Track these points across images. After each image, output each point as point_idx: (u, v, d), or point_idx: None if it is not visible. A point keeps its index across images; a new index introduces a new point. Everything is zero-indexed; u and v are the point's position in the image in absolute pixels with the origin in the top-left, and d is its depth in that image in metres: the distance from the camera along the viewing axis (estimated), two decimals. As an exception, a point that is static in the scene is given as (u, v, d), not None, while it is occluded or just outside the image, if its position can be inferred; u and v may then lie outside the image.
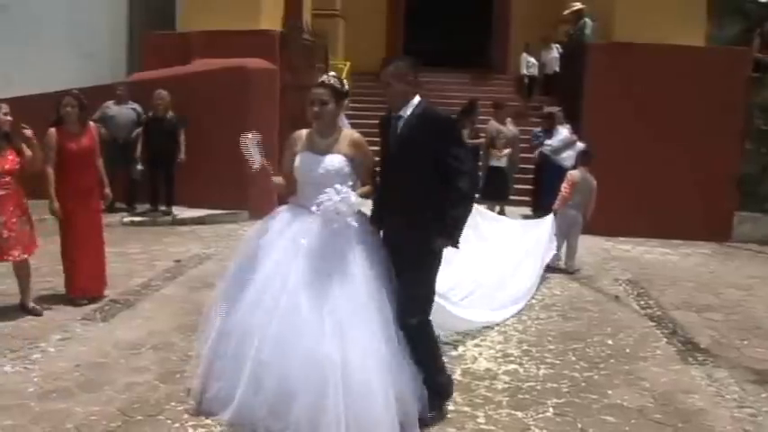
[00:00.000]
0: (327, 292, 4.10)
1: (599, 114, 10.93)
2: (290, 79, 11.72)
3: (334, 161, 4.35)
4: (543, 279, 7.91)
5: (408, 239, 4.22)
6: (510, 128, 11.35)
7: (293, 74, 11.81)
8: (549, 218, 8.35)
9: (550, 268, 8.31)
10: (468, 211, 4.26)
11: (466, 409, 4.65)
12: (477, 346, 5.90)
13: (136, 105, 11.16)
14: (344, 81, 4.56)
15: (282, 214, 4.51)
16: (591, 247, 9.97)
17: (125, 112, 11.07)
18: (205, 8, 12.00)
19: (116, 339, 5.70)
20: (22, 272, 6.22)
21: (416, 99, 4.31)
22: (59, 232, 6.58)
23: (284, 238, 4.35)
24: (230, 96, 11.10)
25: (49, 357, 5.29)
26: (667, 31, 10.98)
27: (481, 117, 12.07)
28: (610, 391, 5.04)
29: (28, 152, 6.13)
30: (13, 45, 13.38)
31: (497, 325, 6.41)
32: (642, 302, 7.45)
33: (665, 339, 6.31)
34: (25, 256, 6.16)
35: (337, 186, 4.15)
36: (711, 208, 10.95)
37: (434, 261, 4.29)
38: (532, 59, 17.35)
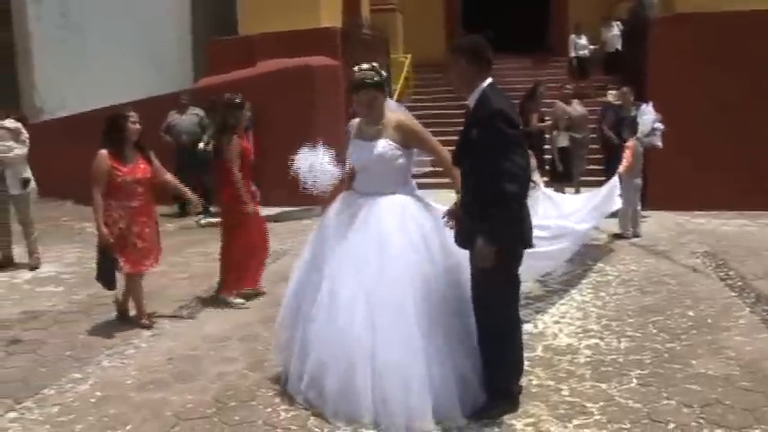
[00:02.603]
0: (365, 277, 4.23)
1: (665, 89, 10.71)
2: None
3: (379, 146, 4.45)
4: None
5: (473, 234, 3.99)
6: (577, 108, 11.23)
7: (356, 70, 11.97)
8: (614, 180, 8.41)
9: (620, 236, 9.07)
10: (511, 212, 3.88)
11: (550, 382, 4.70)
12: (556, 323, 5.93)
13: (198, 110, 11.46)
14: (358, 70, 4.54)
15: (337, 204, 4.66)
16: (664, 221, 9.87)
17: (186, 118, 11.39)
18: (265, 10, 12.27)
19: (204, 333, 5.92)
20: (137, 283, 6.18)
21: (483, 85, 4.00)
22: (229, 235, 6.80)
23: (334, 225, 4.56)
24: (296, 95, 11.32)
25: (143, 352, 5.55)
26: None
27: (547, 100, 11.99)
28: (693, 361, 5.01)
29: (156, 161, 6.20)
30: (87, 61, 13.96)
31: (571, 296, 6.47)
32: (722, 274, 7.34)
33: (748, 309, 6.21)
34: (156, 265, 6.26)
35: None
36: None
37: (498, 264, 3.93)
38: (582, 41, 17.11)
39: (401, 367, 4.03)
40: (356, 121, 4.71)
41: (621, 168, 8.68)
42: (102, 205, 5.80)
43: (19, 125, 8.48)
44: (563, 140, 10.99)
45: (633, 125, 9.36)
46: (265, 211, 10.98)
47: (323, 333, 4.26)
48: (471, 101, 4.06)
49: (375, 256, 4.27)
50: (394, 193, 4.48)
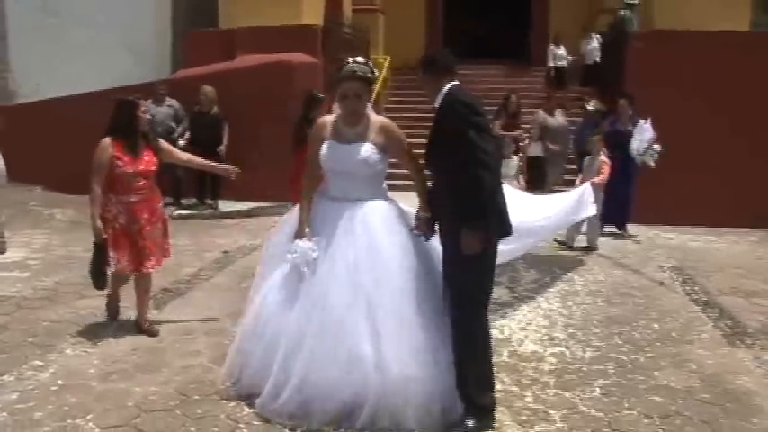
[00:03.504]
0: (360, 286, 4.06)
1: (640, 103, 10.79)
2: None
3: (363, 151, 4.26)
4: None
5: (448, 232, 4.11)
6: (558, 119, 11.21)
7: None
8: (587, 186, 8.34)
9: (589, 248, 8.95)
10: (487, 201, 3.92)
11: (514, 388, 4.72)
12: (523, 329, 5.96)
13: (173, 102, 11.37)
14: (351, 62, 4.33)
15: (313, 209, 4.41)
16: (635, 235, 9.95)
17: (162, 110, 11.28)
18: (246, 4, 12.24)
19: (170, 325, 5.86)
20: (143, 286, 5.71)
21: (447, 87, 4.16)
22: None
23: (315, 235, 4.29)
24: (274, 91, 11.27)
25: (107, 342, 5.48)
26: (709, 16, 10.89)
27: (529, 109, 12.01)
28: (656, 373, 5.07)
29: (166, 146, 5.81)
30: (64, 46, 13.81)
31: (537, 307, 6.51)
32: (688, 288, 7.43)
33: (711, 323, 6.30)
34: (157, 267, 5.74)
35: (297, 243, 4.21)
36: (758, 195, 10.80)
37: (473, 258, 3.97)
38: (561, 51, 17.31)
39: (410, 380, 3.91)
40: (327, 120, 4.49)
41: (597, 180, 8.69)
42: (99, 197, 5.33)
43: (-11, 107, 8.38)
44: (535, 150, 11.04)
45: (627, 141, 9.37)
46: (237, 206, 11.10)
47: (323, 352, 4.00)
48: (437, 102, 4.19)
49: (368, 262, 4.12)
50: (373, 198, 4.35)
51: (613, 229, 9.94)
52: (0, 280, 7.19)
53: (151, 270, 5.66)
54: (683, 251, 9.31)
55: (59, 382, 4.70)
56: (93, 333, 5.65)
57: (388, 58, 16.74)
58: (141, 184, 5.48)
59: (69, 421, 4.15)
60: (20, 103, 13.62)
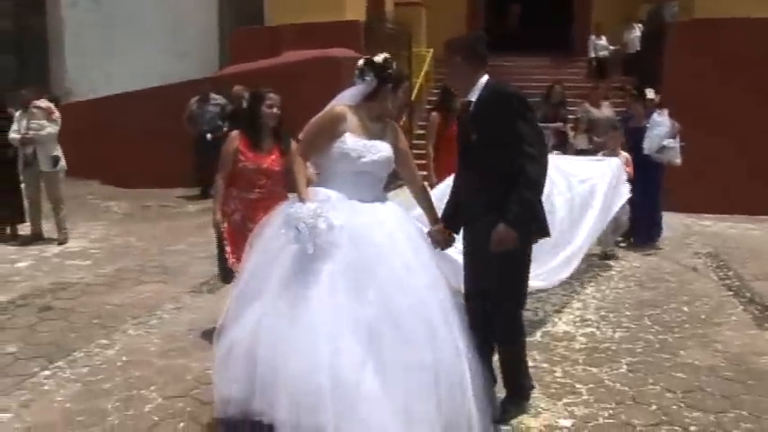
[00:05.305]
0: (366, 303, 3.44)
1: (680, 92, 10.84)
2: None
3: (388, 148, 3.94)
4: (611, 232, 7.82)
5: (484, 234, 3.90)
6: (605, 110, 10.96)
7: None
8: (616, 161, 7.52)
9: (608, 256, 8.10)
10: (535, 197, 3.85)
11: (545, 365, 5.01)
12: (556, 312, 6.22)
13: (219, 99, 11.73)
14: (392, 61, 4.12)
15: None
16: (672, 222, 10.01)
17: (210, 108, 11.71)
18: (291, 2, 12.61)
19: (223, 307, 6.19)
20: None
21: (483, 79, 4.00)
22: None
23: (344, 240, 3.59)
24: (320, 86, 11.50)
25: (166, 323, 5.93)
26: (751, 4, 10.87)
27: (573, 99, 12.00)
28: (682, 352, 5.30)
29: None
30: (114, 45, 14.39)
31: (574, 293, 6.75)
32: (721, 274, 7.57)
33: (741, 307, 6.46)
34: None
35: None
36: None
37: (515, 255, 3.90)
38: (602, 42, 17.29)
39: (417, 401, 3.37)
40: (345, 110, 3.97)
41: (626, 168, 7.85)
42: (222, 190, 5.23)
43: (51, 105, 8.87)
44: (581, 143, 10.98)
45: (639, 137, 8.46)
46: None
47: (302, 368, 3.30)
48: (473, 95, 4.01)
49: (383, 271, 3.55)
50: (383, 201, 3.93)
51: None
52: (65, 268, 7.71)
53: None
54: (720, 238, 9.41)
55: (124, 358, 5.14)
56: (152, 315, 6.10)
57: (431, 51, 16.97)
58: (263, 182, 5.21)
59: (135, 392, 4.57)
60: (76, 101, 14.23)
